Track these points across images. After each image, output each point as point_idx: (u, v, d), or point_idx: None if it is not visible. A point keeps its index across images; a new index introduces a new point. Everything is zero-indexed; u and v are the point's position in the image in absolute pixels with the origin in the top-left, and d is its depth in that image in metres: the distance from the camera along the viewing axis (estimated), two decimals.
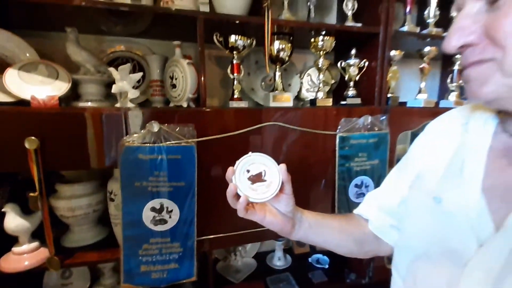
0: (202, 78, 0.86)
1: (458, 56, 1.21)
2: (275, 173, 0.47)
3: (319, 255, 1.33)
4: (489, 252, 0.34)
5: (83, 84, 0.89)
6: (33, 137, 0.71)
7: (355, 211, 0.63)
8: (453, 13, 1.15)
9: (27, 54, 0.86)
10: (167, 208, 0.84)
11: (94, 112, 0.76)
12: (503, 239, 0.33)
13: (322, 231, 0.56)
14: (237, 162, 0.47)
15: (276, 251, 1.29)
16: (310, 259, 1.32)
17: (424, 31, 1.10)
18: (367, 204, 0.61)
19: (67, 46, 0.87)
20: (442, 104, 1.18)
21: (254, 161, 0.47)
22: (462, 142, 0.43)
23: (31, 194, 0.74)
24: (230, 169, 0.47)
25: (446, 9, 1.15)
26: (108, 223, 0.99)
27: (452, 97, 1.20)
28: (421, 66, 1.16)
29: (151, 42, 1.11)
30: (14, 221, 0.79)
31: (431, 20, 1.12)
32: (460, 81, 1.19)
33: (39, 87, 0.79)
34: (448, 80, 1.22)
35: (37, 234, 0.84)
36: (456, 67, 1.21)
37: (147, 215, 0.83)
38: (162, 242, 0.86)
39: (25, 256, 0.82)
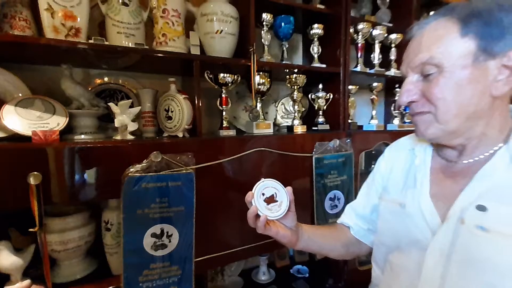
0: (197, 111, 0.96)
1: (397, 89, 1.52)
2: (284, 194, 0.59)
3: (299, 266, 1.45)
4: (440, 237, 0.51)
5: (77, 117, 0.92)
6: (36, 172, 0.72)
7: (338, 220, 0.80)
8: (392, 57, 1.47)
9: (19, 91, 0.87)
10: (167, 232, 0.89)
11: (99, 145, 0.80)
12: (447, 227, 0.51)
13: (318, 240, 0.70)
14: (254, 187, 0.58)
15: (260, 266, 1.38)
16: (291, 270, 1.43)
17: (372, 71, 1.37)
18: (347, 214, 0.78)
19: (62, 81, 0.90)
20: (389, 127, 1.46)
21: (267, 185, 0.58)
22: (412, 163, 0.62)
23: (31, 229, 0.74)
24: (249, 193, 0.58)
25: (387, 53, 1.47)
26: (97, 253, 0.98)
27: (396, 121, 1.49)
28: (371, 97, 1.43)
29: (136, 75, 1.18)
30: (8, 259, 0.76)
31: (376, 62, 1.41)
32: (401, 109, 1.49)
33: (37, 122, 0.81)
34: (392, 108, 1.51)
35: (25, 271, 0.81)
36: (396, 98, 1.51)
37: (148, 241, 0.87)
38: (162, 267, 0.89)
39: None
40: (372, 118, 1.44)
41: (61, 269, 0.91)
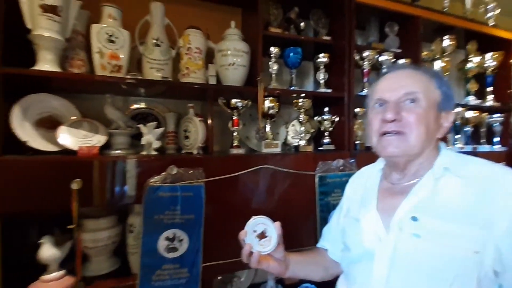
0: (211, 132, 1.11)
1: None
2: (273, 229, 0.65)
3: (308, 284, 1.46)
4: (384, 244, 0.61)
5: (114, 136, 1.12)
6: (78, 179, 0.91)
7: (318, 244, 0.90)
8: None
9: (72, 114, 1.10)
10: (179, 237, 1.01)
11: (128, 159, 0.98)
12: (390, 235, 0.61)
13: (303, 266, 0.80)
14: (246, 225, 0.64)
15: (268, 281, 1.42)
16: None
17: None
18: (324, 238, 0.89)
19: (105, 107, 1.12)
20: None
21: (258, 222, 0.65)
22: (366, 186, 0.76)
23: (69, 226, 0.91)
24: (242, 232, 0.66)
25: None
26: (121, 254, 1.13)
27: None
28: None
29: (164, 101, 1.38)
30: (48, 251, 0.93)
31: None
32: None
33: (83, 140, 1.01)
34: None
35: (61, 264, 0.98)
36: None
37: (162, 244, 0.99)
38: (172, 268, 1.01)
39: (52, 283, 0.94)
40: None
41: (91, 264, 1.07)
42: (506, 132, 1.80)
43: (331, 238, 0.86)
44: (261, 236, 0.64)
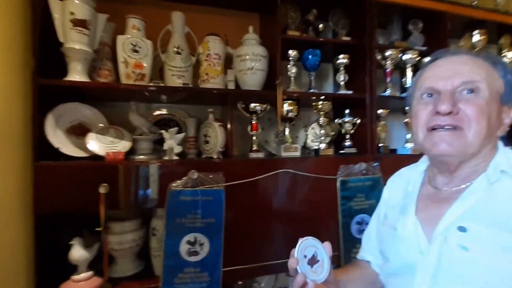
0: (230, 136, 1.12)
1: None
2: (323, 250, 0.57)
3: None
4: (426, 258, 0.54)
5: (138, 141, 1.16)
6: (105, 184, 0.95)
7: (358, 256, 0.81)
8: None
9: (100, 121, 1.16)
10: (200, 241, 1.02)
11: (152, 164, 1.01)
12: (433, 247, 0.54)
13: (351, 285, 0.70)
14: (296, 251, 0.53)
15: (289, 287, 1.39)
16: None
17: (404, 94, 1.37)
18: (364, 249, 0.79)
19: (130, 114, 1.17)
20: None
21: (306, 245, 0.55)
22: (407, 190, 0.68)
23: (98, 229, 0.95)
24: (293, 261, 0.54)
25: None
26: (144, 257, 1.16)
27: None
28: (405, 121, 1.41)
29: (185, 106, 1.41)
30: (79, 252, 0.98)
31: (408, 86, 1.40)
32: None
33: (110, 145, 1.06)
34: None
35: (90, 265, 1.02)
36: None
37: (184, 248, 1.01)
38: (193, 272, 1.02)
39: (82, 283, 0.99)
40: (406, 141, 1.40)
41: (117, 265, 1.11)
42: None
43: (371, 248, 0.76)
44: (312, 261, 0.55)
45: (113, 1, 1.26)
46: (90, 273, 1.01)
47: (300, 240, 0.55)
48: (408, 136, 1.41)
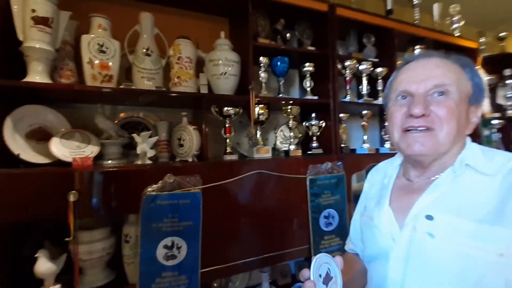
0: (204, 139, 1.14)
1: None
2: (335, 266, 0.55)
3: (300, 283, 1.51)
4: (398, 244, 0.59)
5: (106, 146, 1.11)
6: (74, 191, 0.90)
7: (346, 247, 0.85)
8: (379, 87, 1.63)
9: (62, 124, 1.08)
10: (177, 244, 1.02)
11: (124, 169, 0.98)
12: (404, 234, 0.59)
13: (354, 284, 0.71)
14: (311, 273, 0.51)
15: (263, 283, 1.46)
16: None
17: (361, 100, 1.54)
18: (352, 241, 0.82)
19: (96, 117, 1.11)
20: (381, 150, 1.58)
21: (320, 263, 0.53)
22: (383, 182, 0.73)
23: (67, 239, 0.90)
24: (310, 285, 0.50)
25: (373, 84, 1.64)
26: (114, 266, 1.12)
27: (387, 145, 1.61)
28: (362, 124, 1.58)
29: (154, 109, 1.38)
30: (45, 265, 0.91)
31: (364, 92, 1.57)
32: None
33: (76, 150, 1.00)
34: (383, 133, 1.65)
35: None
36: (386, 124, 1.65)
37: (161, 252, 1.00)
38: (172, 276, 1.02)
39: None
40: (364, 142, 1.57)
41: (86, 276, 1.05)
42: None
43: (358, 238, 0.79)
44: (327, 279, 0.53)
45: None
46: (57, 286, 0.94)
47: (314, 259, 0.52)
48: (365, 137, 1.58)
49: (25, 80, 0.92)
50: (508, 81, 2.23)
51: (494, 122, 2.19)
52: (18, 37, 0.90)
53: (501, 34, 2.45)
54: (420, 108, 0.56)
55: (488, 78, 2.14)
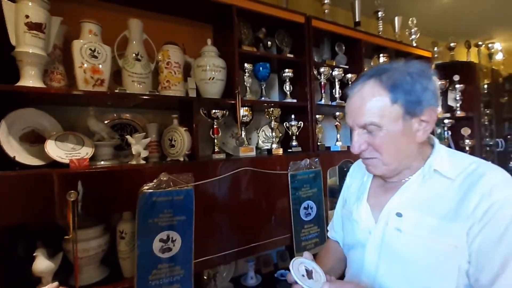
0: (195, 140, 1.23)
1: None
2: (308, 261, 0.63)
3: (282, 271, 1.66)
4: (373, 236, 0.67)
5: (99, 147, 1.15)
6: (73, 191, 0.94)
7: (329, 234, 0.94)
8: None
9: (53, 127, 1.10)
10: (172, 238, 1.10)
11: (121, 169, 1.04)
12: (378, 228, 0.67)
13: (335, 271, 0.82)
14: (295, 278, 0.57)
15: (248, 272, 1.57)
16: (275, 275, 1.63)
17: (334, 103, 1.71)
18: (334, 229, 0.91)
19: (88, 119, 1.15)
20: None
21: (296, 266, 0.60)
22: (363, 179, 0.80)
23: (66, 236, 0.94)
24: (298, 287, 0.57)
25: (345, 88, 1.82)
26: (108, 262, 1.16)
27: None
28: (335, 124, 1.76)
29: (143, 111, 1.43)
30: (43, 264, 0.94)
31: (337, 96, 1.75)
32: None
33: (71, 152, 1.04)
34: None
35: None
36: None
37: (157, 245, 1.07)
38: (167, 267, 1.09)
39: None
40: (337, 140, 1.75)
41: (83, 273, 1.08)
42: None
43: (339, 227, 0.87)
44: (309, 274, 0.60)
45: (64, 2, 1.21)
46: (55, 283, 0.97)
47: (291, 267, 0.59)
48: (338, 136, 1.76)
49: (19, 84, 0.94)
50: (457, 86, 2.58)
51: (446, 121, 2.52)
52: (11, 42, 0.92)
53: (451, 44, 2.81)
54: (354, 149, 0.65)
55: (440, 83, 2.45)
